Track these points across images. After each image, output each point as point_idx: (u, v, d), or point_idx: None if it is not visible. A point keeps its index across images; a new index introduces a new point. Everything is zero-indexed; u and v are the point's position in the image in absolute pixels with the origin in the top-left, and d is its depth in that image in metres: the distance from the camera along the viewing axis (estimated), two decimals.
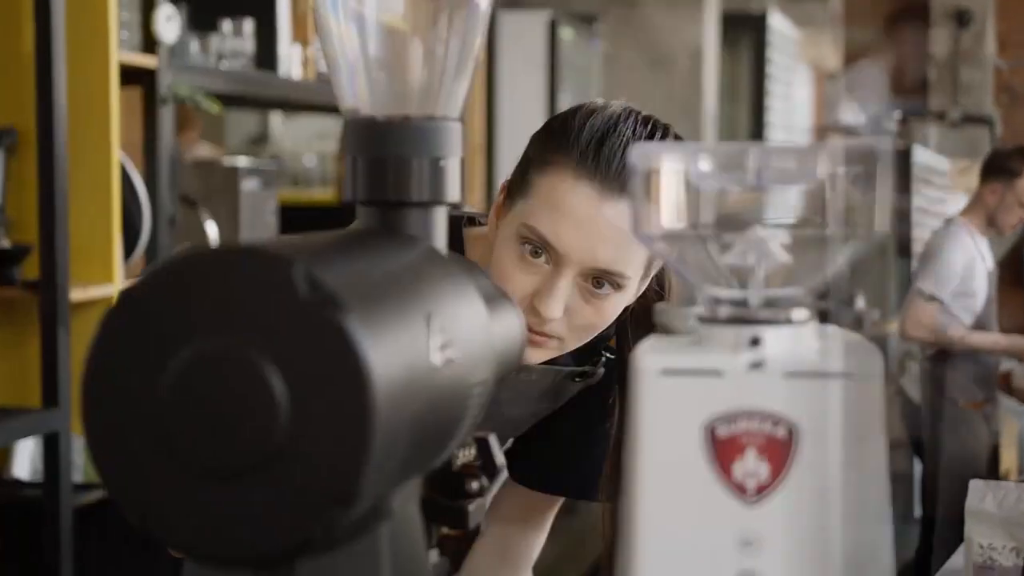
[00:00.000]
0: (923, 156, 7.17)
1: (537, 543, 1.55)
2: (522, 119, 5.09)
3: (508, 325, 0.84)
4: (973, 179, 8.95)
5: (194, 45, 2.98)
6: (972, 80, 9.69)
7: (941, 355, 4.41)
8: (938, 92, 9.36)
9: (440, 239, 0.81)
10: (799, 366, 0.66)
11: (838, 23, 10.19)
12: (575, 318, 1.24)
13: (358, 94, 0.82)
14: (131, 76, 2.67)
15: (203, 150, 4.25)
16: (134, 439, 0.63)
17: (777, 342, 0.67)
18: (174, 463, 0.62)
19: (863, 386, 0.66)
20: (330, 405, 0.60)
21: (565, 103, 5.94)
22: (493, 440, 0.85)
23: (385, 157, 0.79)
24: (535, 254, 1.22)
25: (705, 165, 0.69)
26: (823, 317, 0.70)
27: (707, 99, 5.80)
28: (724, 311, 0.69)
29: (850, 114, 5.73)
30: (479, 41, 0.82)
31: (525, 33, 5.28)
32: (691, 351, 0.68)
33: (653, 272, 1.30)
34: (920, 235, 7.17)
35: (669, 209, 0.69)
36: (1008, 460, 4.73)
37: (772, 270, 0.70)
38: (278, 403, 0.60)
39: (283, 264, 0.61)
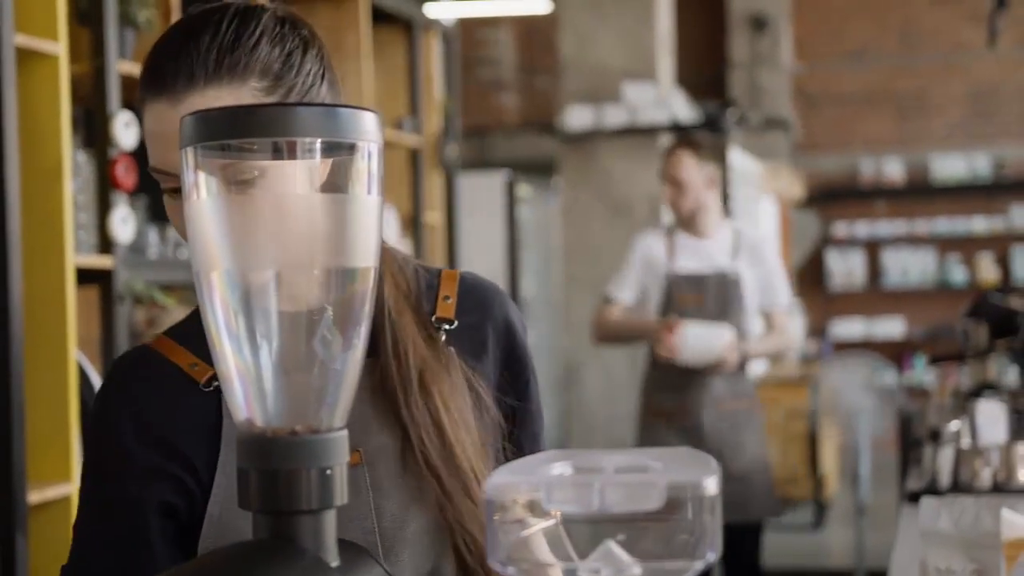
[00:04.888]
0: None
1: None
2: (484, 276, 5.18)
3: None
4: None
5: (153, 236, 3.06)
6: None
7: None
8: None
9: (329, 541, 0.87)
10: None
11: (799, 151, 10.45)
12: None
13: (250, 407, 0.89)
14: (88, 276, 2.75)
15: (176, 316, 4.31)
16: None
17: None
18: None
19: None
20: None
21: (525, 257, 6.08)
22: None
23: (276, 470, 0.86)
24: (172, 191, 1.20)
25: (556, 494, 0.75)
26: None
27: None
28: None
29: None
30: (359, 356, 0.89)
31: (484, 192, 5.42)
32: None
33: None
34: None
35: (525, 535, 0.76)
36: None
37: None
38: None
39: None
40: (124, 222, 2.76)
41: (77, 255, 2.66)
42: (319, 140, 0.86)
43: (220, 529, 1.22)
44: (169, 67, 1.18)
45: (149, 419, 1.23)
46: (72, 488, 2.60)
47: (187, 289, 3.28)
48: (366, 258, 0.88)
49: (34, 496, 2.48)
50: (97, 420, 1.27)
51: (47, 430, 2.56)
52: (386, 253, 1.29)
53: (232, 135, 0.86)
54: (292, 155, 0.86)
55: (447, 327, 1.30)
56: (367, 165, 0.88)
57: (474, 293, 1.34)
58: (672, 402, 4.15)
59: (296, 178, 0.88)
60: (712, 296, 4.11)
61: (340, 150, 0.88)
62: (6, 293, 2.47)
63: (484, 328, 1.33)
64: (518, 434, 1.33)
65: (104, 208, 2.76)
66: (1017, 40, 8.09)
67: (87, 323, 2.80)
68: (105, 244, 2.76)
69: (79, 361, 2.64)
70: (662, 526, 0.76)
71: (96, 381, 2.68)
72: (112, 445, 1.24)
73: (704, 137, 4.30)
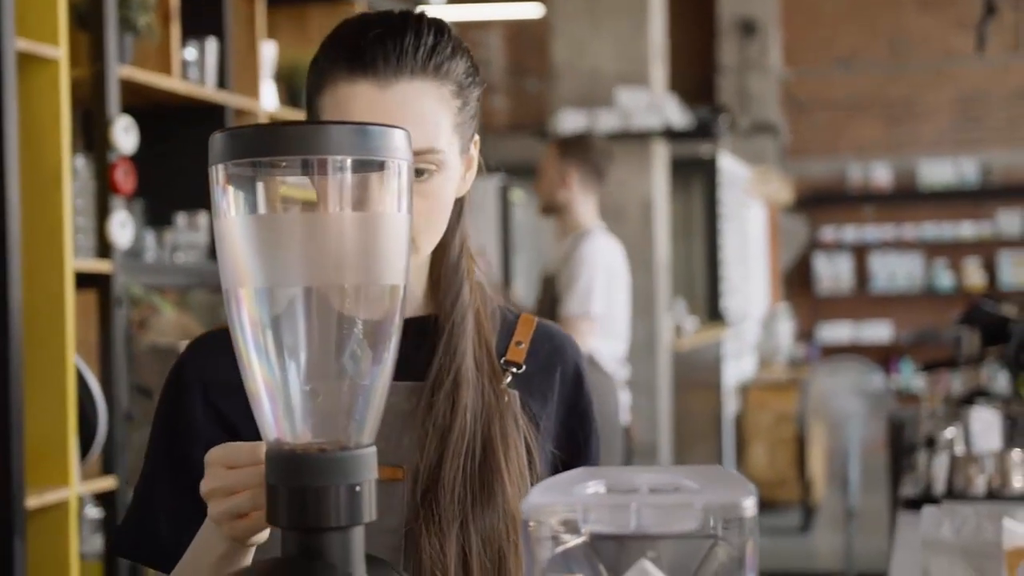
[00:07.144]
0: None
1: None
2: None
3: None
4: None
5: (150, 239, 3.06)
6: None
7: None
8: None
9: (357, 557, 0.87)
10: None
11: (788, 156, 10.47)
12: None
13: (279, 424, 0.89)
14: (87, 279, 2.74)
15: (168, 316, 4.28)
16: None
17: None
18: None
19: None
20: None
21: (519, 262, 6.09)
22: None
23: (304, 487, 0.86)
24: None
25: (592, 515, 0.76)
26: None
27: (659, 248, 5.92)
28: None
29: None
30: (388, 373, 0.90)
31: (477, 197, 5.39)
32: None
33: (472, 139, 1.28)
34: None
35: (559, 556, 0.76)
36: None
37: None
38: None
39: None
40: (123, 226, 2.75)
41: (76, 259, 2.65)
42: (349, 158, 0.86)
43: None
44: (377, 51, 1.17)
45: (216, 400, 1.26)
46: (70, 493, 2.59)
47: (183, 292, 3.27)
48: (395, 275, 0.88)
49: (32, 500, 2.48)
50: (170, 389, 1.29)
51: (46, 434, 2.56)
52: (476, 290, 1.30)
53: (263, 152, 0.86)
54: (322, 172, 0.86)
55: (515, 371, 1.30)
56: (397, 182, 0.88)
57: (549, 341, 1.35)
58: None
59: (327, 195, 0.88)
60: (544, 297, 4.12)
61: (370, 167, 0.88)
62: (5, 297, 2.46)
63: (552, 376, 1.33)
64: None
65: (103, 212, 2.76)
66: (1005, 47, 8.11)
67: (85, 327, 2.79)
68: (104, 248, 2.76)
69: (77, 365, 2.63)
70: (697, 544, 0.76)
71: (94, 385, 2.68)
72: (185, 414, 1.26)
73: (589, 144, 4.20)
